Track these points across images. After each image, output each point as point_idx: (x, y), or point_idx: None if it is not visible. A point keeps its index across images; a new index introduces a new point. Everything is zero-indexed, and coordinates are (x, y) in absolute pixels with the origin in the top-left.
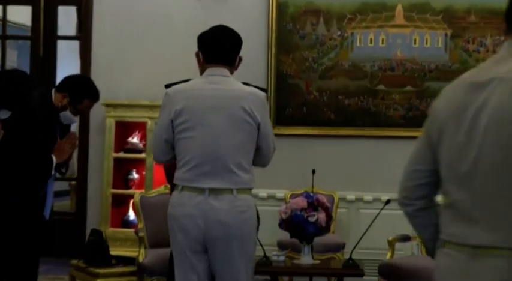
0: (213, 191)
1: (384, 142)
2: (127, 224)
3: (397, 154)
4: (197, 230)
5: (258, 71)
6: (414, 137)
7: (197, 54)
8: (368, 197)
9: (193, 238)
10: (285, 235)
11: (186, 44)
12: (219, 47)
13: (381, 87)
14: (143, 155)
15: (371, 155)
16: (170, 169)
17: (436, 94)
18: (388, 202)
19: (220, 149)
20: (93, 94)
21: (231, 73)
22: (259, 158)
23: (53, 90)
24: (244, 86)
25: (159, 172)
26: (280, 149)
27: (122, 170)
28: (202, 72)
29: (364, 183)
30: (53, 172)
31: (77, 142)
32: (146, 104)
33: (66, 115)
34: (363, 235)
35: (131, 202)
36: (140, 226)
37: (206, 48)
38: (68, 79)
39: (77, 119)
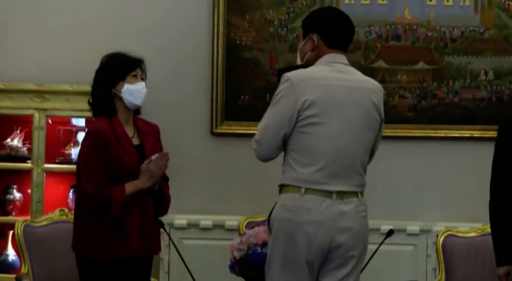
0: (340, 194)
1: (383, 145)
2: (4, 267)
3: (402, 163)
4: (322, 239)
5: (197, 40)
6: (428, 138)
7: (311, 39)
8: None
9: (317, 247)
10: None
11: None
12: (343, 31)
13: (381, 63)
14: (28, 164)
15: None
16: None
17: (461, 74)
18: (390, 233)
19: (353, 149)
20: None
21: None
22: (369, 157)
23: None
24: (366, 76)
25: (53, 188)
26: (231, 156)
27: None
28: (313, 58)
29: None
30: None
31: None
32: (32, 89)
33: None
34: None
35: (10, 234)
36: (24, 270)
37: (330, 31)
38: None
39: None
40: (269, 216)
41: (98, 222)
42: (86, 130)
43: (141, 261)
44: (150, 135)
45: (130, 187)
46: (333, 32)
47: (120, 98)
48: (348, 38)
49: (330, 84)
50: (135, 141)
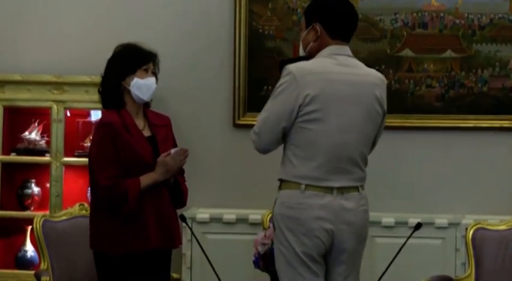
0: (341, 189)
1: (410, 136)
2: (23, 263)
3: (429, 154)
4: (326, 235)
5: (218, 29)
6: (456, 129)
7: (314, 29)
8: (388, 219)
9: (320, 243)
10: (263, 278)
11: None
12: (348, 21)
13: (407, 52)
14: (47, 157)
15: (392, 155)
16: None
17: (490, 63)
18: (418, 226)
19: (353, 144)
20: None
21: None
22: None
23: None
24: (368, 67)
25: (73, 182)
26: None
27: (13, 182)
28: (315, 49)
29: (381, 198)
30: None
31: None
32: (51, 81)
33: None
34: (382, 275)
35: (28, 229)
36: (43, 266)
37: (333, 21)
38: None
39: None
40: (272, 213)
41: (114, 217)
42: (97, 122)
43: (161, 254)
44: (162, 126)
45: (145, 180)
46: (337, 22)
47: (129, 91)
48: (352, 28)
49: (333, 79)
50: (146, 132)
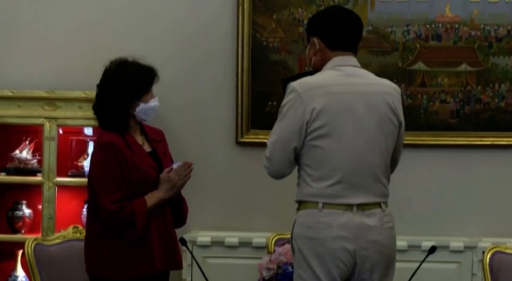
0: (361, 206)
1: (424, 154)
2: None
3: (444, 173)
4: (348, 256)
5: (220, 42)
6: (472, 146)
7: (313, 43)
8: (401, 242)
9: (342, 265)
10: None
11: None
12: (347, 30)
13: (420, 66)
14: (39, 177)
15: (404, 174)
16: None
17: (507, 76)
18: (432, 250)
19: (369, 158)
20: None
21: None
22: (391, 165)
23: None
24: (380, 78)
25: (66, 203)
26: (258, 167)
27: (3, 203)
28: (319, 63)
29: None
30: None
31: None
32: (42, 96)
33: None
34: None
35: (19, 253)
36: None
37: (330, 32)
38: None
39: None
40: (291, 235)
41: (117, 240)
42: (96, 143)
43: (162, 276)
44: (159, 141)
45: (151, 199)
46: (335, 33)
47: (133, 115)
48: (354, 37)
49: (339, 91)
50: (147, 148)
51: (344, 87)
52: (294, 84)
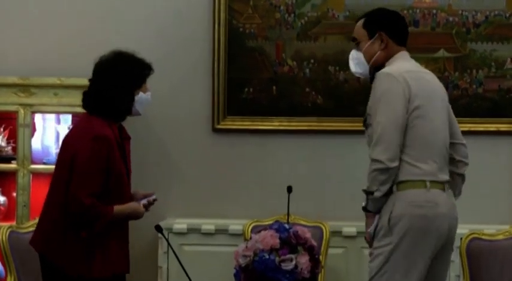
0: (448, 184)
1: None
2: None
3: None
4: (446, 229)
5: (196, 28)
6: None
7: (381, 37)
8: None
9: (443, 238)
10: None
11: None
12: (407, 28)
13: None
14: (13, 165)
15: None
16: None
17: (485, 62)
18: None
19: (446, 139)
20: None
21: None
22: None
23: None
24: None
25: (41, 191)
26: (235, 154)
27: None
28: (383, 57)
29: None
30: None
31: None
32: (16, 83)
33: None
34: None
35: None
36: (10, 280)
37: (398, 29)
38: None
39: None
40: (389, 215)
41: (96, 235)
42: (89, 132)
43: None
44: (128, 139)
45: (118, 213)
46: (402, 29)
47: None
48: (407, 36)
49: (420, 77)
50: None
51: (421, 74)
52: (385, 70)
